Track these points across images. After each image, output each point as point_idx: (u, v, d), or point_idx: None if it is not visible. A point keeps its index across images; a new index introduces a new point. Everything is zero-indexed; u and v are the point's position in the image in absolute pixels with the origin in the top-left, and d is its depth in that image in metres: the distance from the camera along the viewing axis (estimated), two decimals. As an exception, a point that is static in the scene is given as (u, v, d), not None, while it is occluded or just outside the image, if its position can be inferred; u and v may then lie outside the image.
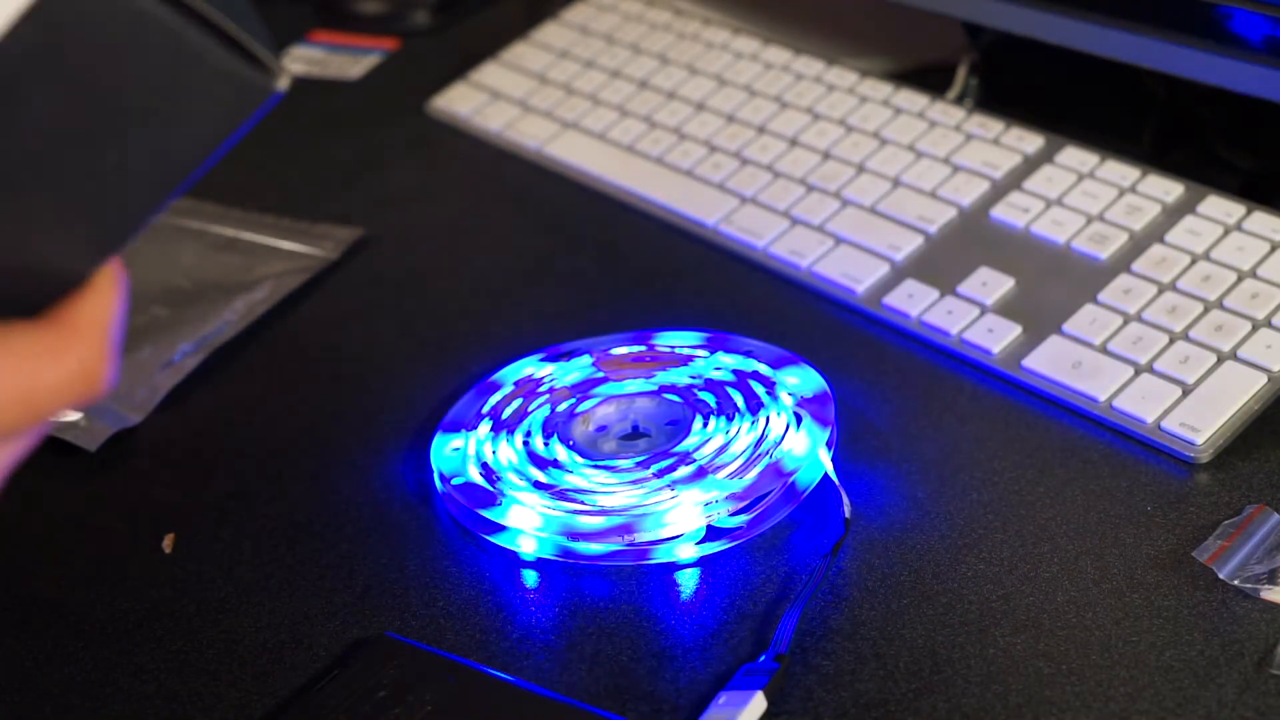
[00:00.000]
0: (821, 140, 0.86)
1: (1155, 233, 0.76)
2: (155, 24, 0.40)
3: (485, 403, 0.71)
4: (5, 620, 0.65)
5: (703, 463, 0.66)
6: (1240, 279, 0.72)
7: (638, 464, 0.67)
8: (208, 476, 0.72)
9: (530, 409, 0.71)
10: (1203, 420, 0.66)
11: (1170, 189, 0.78)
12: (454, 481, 0.67)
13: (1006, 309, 0.74)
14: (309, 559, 0.66)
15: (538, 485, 0.66)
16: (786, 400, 0.68)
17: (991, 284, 0.75)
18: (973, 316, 0.74)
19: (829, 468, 0.66)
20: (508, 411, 0.71)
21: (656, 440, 0.69)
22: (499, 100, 0.96)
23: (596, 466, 0.67)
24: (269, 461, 0.72)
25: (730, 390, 0.70)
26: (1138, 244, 0.76)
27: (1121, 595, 0.60)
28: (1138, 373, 0.69)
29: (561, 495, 0.65)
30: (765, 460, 0.65)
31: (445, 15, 1.08)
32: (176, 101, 0.44)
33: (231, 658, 0.62)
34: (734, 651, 0.60)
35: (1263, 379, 0.68)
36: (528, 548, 0.65)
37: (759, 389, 0.69)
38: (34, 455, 0.72)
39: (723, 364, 0.71)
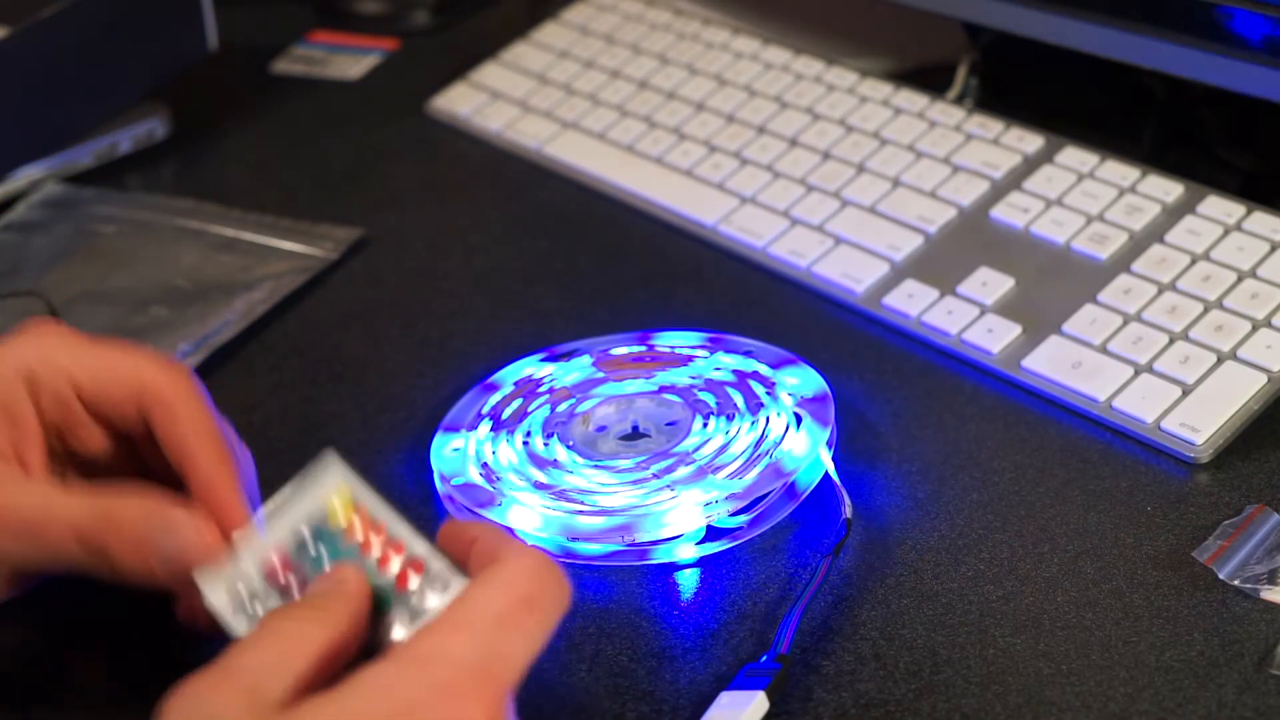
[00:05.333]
0: (821, 140, 0.86)
1: (1155, 233, 0.76)
2: None
3: (485, 403, 0.71)
4: (5, 620, 0.64)
5: (702, 463, 0.66)
6: (1240, 279, 0.72)
7: (637, 464, 0.67)
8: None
9: (530, 409, 0.71)
10: (1203, 420, 0.66)
11: (1170, 189, 0.78)
12: (454, 481, 0.67)
13: (1006, 309, 0.74)
14: (309, 559, 0.66)
15: (538, 485, 0.66)
16: (786, 400, 0.68)
17: (991, 284, 0.75)
18: (973, 316, 0.74)
19: (829, 468, 0.66)
20: (508, 412, 0.71)
21: (656, 440, 0.69)
22: (499, 100, 0.96)
23: (596, 467, 0.67)
24: (268, 462, 0.72)
25: (730, 390, 0.70)
26: (1138, 244, 0.76)
27: (1121, 595, 0.60)
28: (1138, 373, 0.69)
29: (561, 495, 0.65)
30: (765, 460, 0.65)
31: (445, 15, 1.08)
32: None
33: (231, 658, 0.62)
34: (734, 651, 0.60)
35: (1263, 379, 0.68)
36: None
37: (759, 389, 0.69)
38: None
39: (723, 364, 0.71)
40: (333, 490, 0.54)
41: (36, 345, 0.59)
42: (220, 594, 0.54)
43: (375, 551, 0.53)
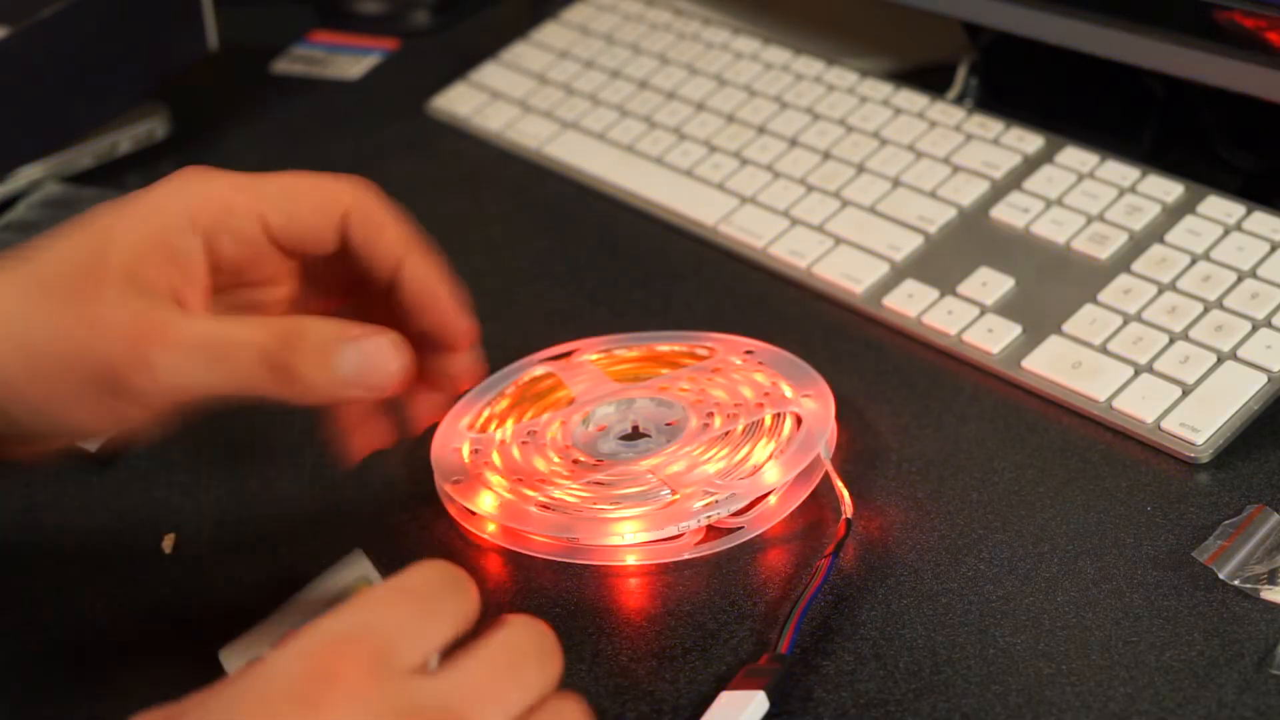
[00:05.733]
0: (821, 140, 0.86)
1: (1155, 233, 0.76)
2: None
3: (485, 403, 0.71)
4: (5, 620, 0.65)
5: (702, 463, 0.66)
6: (1240, 279, 0.72)
7: (637, 464, 0.67)
8: (207, 477, 0.71)
9: (530, 410, 0.70)
10: (1203, 420, 0.66)
11: (1170, 189, 0.78)
12: (454, 481, 0.67)
13: (1006, 309, 0.74)
14: (310, 559, 0.66)
15: (538, 485, 0.66)
16: (786, 400, 0.68)
17: (991, 284, 0.75)
18: (973, 316, 0.74)
19: (829, 468, 0.66)
20: (508, 412, 0.71)
21: (656, 440, 0.69)
22: (499, 100, 0.96)
23: (596, 466, 0.67)
24: (269, 463, 0.72)
25: (730, 390, 0.70)
26: (1138, 244, 0.76)
27: (1121, 595, 0.60)
28: (1138, 373, 0.69)
29: (561, 495, 0.65)
30: (765, 460, 0.65)
31: (445, 15, 1.08)
32: None
33: (231, 658, 0.62)
34: (734, 651, 0.60)
35: (1263, 379, 0.68)
36: (527, 547, 0.65)
37: (759, 389, 0.69)
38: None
39: (724, 365, 0.71)
40: (355, 580, 0.55)
41: (210, 188, 0.57)
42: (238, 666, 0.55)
43: None
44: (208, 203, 0.56)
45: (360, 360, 0.53)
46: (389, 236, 0.57)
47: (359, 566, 0.56)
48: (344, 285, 0.59)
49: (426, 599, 0.48)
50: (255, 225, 0.57)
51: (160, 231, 0.55)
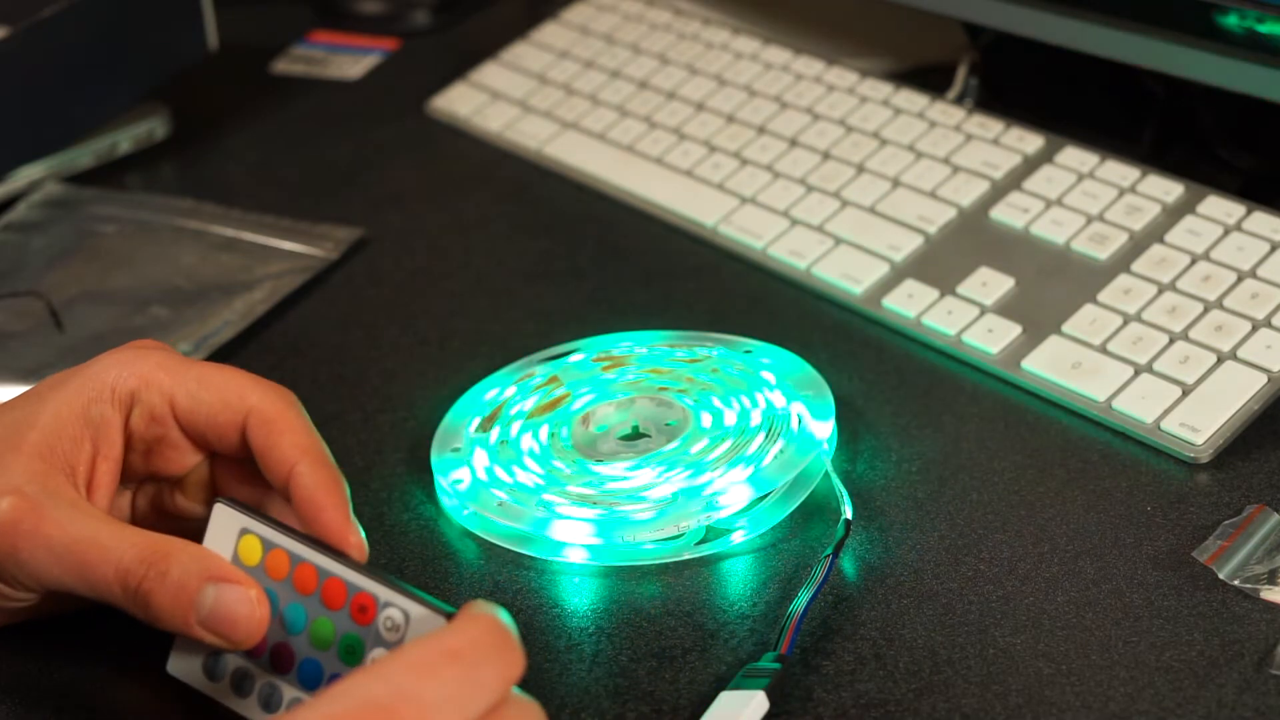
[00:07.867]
0: (821, 140, 0.86)
1: (1155, 233, 0.76)
2: None
3: (485, 403, 0.71)
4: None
5: (702, 463, 0.66)
6: (1240, 279, 0.72)
7: (637, 464, 0.67)
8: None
9: (530, 409, 0.70)
10: (1203, 420, 0.66)
11: (1170, 189, 0.78)
12: (454, 481, 0.67)
13: (1006, 309, 0.74)
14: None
15: (537, 485, 0.66)
16: (786, 400, 0.68)
17: (991, 284, 0.75)
18: (973, 316, 0.74)
19: (829, 468, 0.66)
20: (508, 412, 0.71)
21: (656, 440, 0.69)
22: (499, 100, 0.96)
23: (596, 467, 0.67)
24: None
25: (730, 391, 0.70)
26: (1138, 244, 0.76)
27: (1121, 595, 0.60)
28: (1138, 373, 0.69)
29: (561, 495, 0.65)
30: (766, 460, 0.65)
31: (445, 15, 1.08)
32: None
33: (231, 658, 0.62)
34: (734, 651, 0.60)
35: (1263, 379, 0.68)
36: (527, 548, 0.65)
37: (759, 390, 0.69)
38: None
39: (722, 364, 0.71)
40: (237, 534, 0.56)
41: (137, 363, 0.59)
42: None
43: (316, 588, 0.55)
44: (129, 377, 0.58)
45: (216, 606, 0.54)
46: (285, 442, 0.57)
47: (235, 520, 0.56)
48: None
49: (471, 665, 0.47)
50: (164, 404, 0.59)
51: (84, 403, 0.58)
